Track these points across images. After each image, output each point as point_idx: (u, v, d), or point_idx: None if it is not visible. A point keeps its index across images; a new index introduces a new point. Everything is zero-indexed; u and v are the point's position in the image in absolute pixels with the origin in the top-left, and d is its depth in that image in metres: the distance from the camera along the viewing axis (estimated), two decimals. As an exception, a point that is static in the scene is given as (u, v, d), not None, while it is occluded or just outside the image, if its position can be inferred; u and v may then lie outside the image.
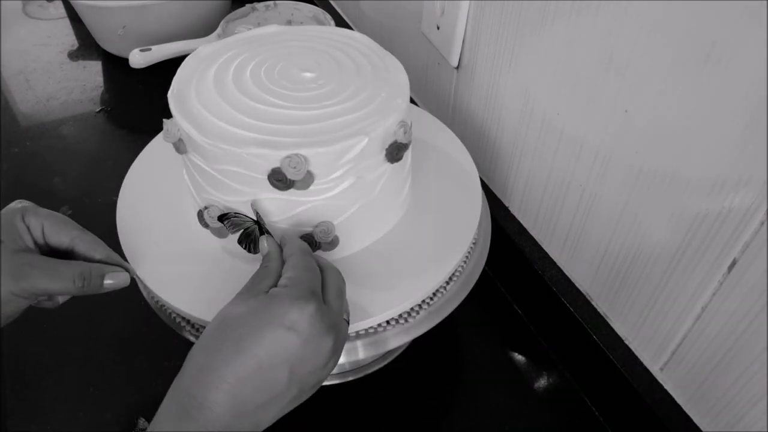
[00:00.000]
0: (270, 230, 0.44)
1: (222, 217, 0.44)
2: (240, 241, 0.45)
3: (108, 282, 0.42)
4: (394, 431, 0.54)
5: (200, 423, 0.33)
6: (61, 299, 0.45)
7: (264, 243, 0.42)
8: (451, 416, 0.54)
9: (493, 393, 0.56)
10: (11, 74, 0.95)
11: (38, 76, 0.95)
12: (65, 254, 0.42)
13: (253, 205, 0.43)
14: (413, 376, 0.57)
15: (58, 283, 0.40)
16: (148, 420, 0.49)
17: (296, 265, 0.39)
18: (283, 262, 0.40)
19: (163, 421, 0.34)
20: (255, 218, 0.44)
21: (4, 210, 0.41)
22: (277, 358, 0.35)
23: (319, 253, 0.46)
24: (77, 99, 0.91)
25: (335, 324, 0.37)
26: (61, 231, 0.42)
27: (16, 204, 0.41)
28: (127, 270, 0.44)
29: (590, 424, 0.55)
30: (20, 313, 0.41)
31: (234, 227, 0.45)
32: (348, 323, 0.41)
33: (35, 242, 0.41)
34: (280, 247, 0.42)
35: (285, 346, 0.35)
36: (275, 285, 0.38)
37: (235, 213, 0.44)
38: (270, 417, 0.36)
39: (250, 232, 0.44)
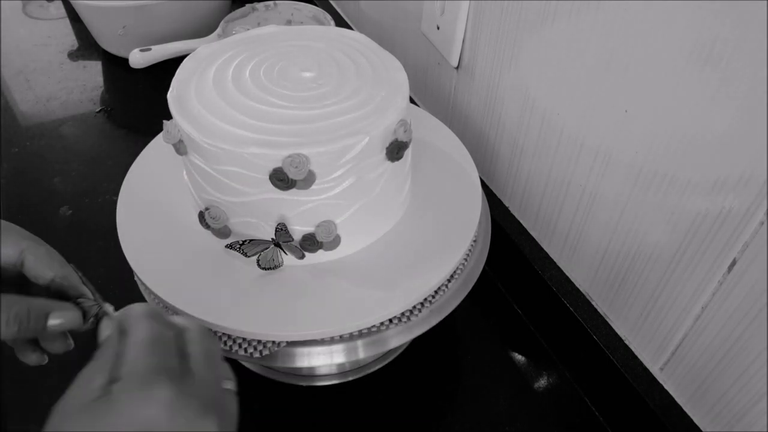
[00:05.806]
0: (109, 305, 0.34)
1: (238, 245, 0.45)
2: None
3: (53, 323, 0.32)
4: (393, 431, 0.54)
5: None
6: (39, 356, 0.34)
7: (102, 330, 0.33)
8: (451, 416, 0.54)
9: (493, 393, 0.56)
10: (11, 74, 0.95)
11: (38, 76, 0.95)
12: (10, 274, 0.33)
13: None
14: (413, 376, 0.57)
15: None
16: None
17: (135, 342, 0.30)
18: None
19: None
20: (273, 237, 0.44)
21: None
22: None
23: (320, 252, 0.46)
24: (77, 99, 0.91)
25: (210, 399, 0.30)
26: (5, 240, 0.32)
27: None
28: (96, 302, 0.34)
29: (590, 424, 0.55)
30: None
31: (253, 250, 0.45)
32: (235, 392, 0.32)
33: None
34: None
35: None
36: (115, 378, 0.29)
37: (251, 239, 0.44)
38: None
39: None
